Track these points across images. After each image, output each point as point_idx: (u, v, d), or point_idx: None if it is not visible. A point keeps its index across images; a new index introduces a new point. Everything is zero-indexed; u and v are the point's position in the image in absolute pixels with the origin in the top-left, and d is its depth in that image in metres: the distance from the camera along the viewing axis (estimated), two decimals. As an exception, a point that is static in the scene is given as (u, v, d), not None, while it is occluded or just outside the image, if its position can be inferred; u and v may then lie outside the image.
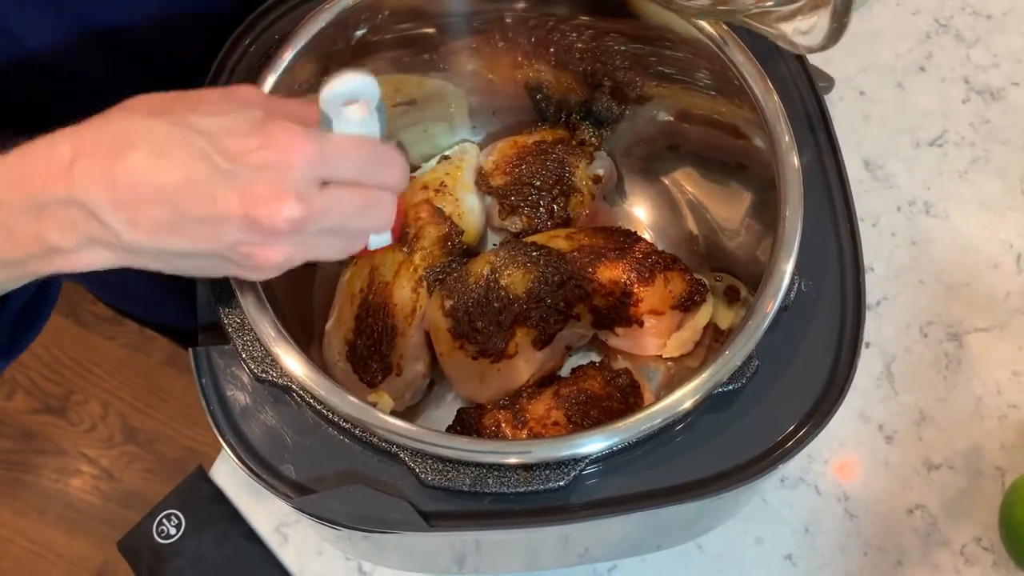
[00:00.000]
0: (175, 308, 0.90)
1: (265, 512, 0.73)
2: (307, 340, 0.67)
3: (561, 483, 0.51)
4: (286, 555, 0.72)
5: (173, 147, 0.41)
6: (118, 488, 1.54)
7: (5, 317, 0.56)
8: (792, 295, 0.56)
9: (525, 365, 0.65)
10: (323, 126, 0.47)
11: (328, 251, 0.47)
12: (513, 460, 0.51)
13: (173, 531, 0.72)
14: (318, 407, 0.53)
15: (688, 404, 0.52)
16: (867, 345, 0.77)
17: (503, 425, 0.62)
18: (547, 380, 0.66)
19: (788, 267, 0.55)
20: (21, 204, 0.42)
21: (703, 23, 0.61)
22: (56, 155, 0.42)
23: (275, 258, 0.44)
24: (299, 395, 0.54)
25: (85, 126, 0.42)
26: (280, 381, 0.54)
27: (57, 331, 1.64)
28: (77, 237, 0.43)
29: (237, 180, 0.41)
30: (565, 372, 0.68)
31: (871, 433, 0.74)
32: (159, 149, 0.41)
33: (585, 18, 0.68)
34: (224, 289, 0.56)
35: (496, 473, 0.51)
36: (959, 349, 0.77)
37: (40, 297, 0.60)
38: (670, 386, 0.64)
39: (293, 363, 0.52)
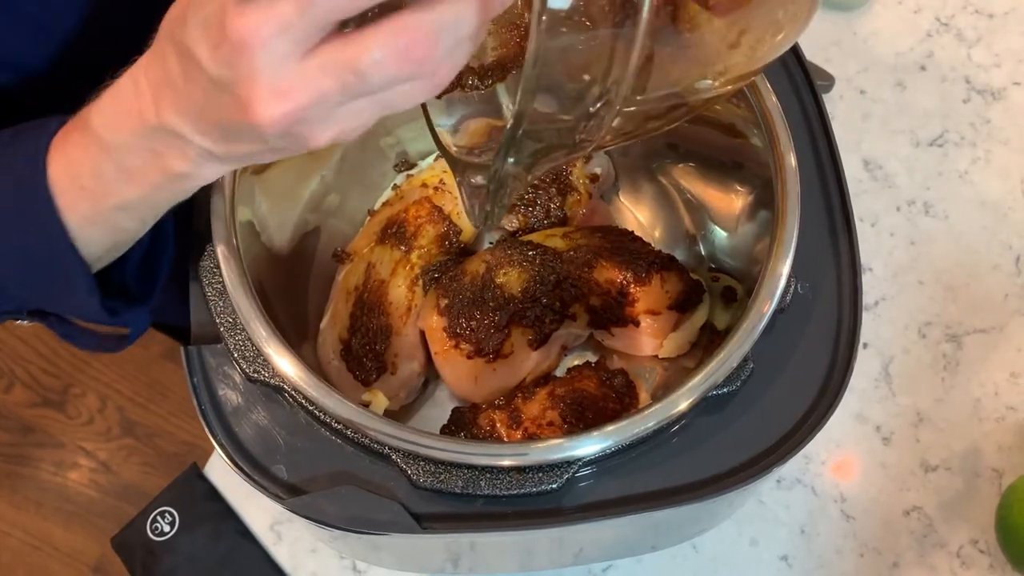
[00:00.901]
0: (173, 305, 0.89)
1: (259, 510, 0.72)
2: (301, 338, 0.67)
3: (554, 485, 0.51)
4: (280, 553, 0.71)
5: (175, 71, 0.39)
6: (116, 482, 1.53)
7: (128, 269, 0.55)
8: (789, 297, 0.56)
9: (520, 365, 0.65)
10: None
11: (394, 102, 0.37)
12: (506, 463, 0.51)
13: (167, 528, 0.72)
14: (310, 407, 0.53)
15: (683, 406, 0.52)
16: (865, 346, 0.77)
17: (498, 425, 0.62)
18: (543, 380, 0.66)
19: (785, 269, 0.55)
20: (127, 142, 0.43)
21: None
22: (139, 88, 0.41)
23: (321, 141, 0.38)
24: (291, 395, 0.54)
25: (148, 54, 0.41)
26: (272, 381, 0.54)
27: (56, 324, 1.64)
28: (190, 158, 0.42)
29: (227, 89, 0.37)
30: (561, 372, 0.68)
31: (868, 434, 0.74)
32: (174, 74, 0.39)
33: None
34: (216, 287, 0.56)
35: (489, 475, 0.51)
36: (957, 350, 0.77)
37: (156, 248, 0.58)
38: (666, 387, 0.64)
39: (284, 363, 0.52)
